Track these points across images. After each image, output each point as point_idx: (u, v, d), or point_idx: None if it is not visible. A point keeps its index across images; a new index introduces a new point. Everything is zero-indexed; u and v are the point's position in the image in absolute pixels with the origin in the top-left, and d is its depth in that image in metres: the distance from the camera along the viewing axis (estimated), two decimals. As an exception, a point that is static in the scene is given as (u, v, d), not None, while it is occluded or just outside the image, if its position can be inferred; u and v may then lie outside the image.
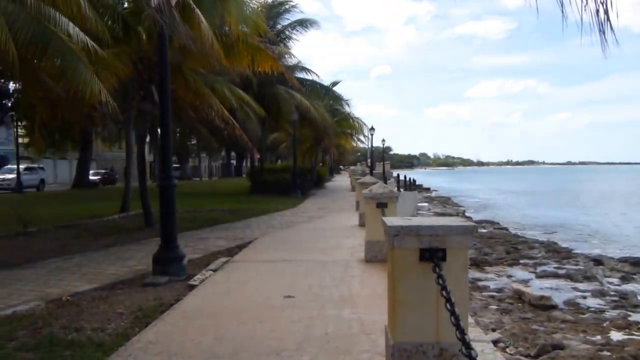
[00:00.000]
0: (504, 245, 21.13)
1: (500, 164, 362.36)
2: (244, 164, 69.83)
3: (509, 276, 15.91)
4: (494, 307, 11.91)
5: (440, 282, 3.35)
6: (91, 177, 42.33)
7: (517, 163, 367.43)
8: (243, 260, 9.23)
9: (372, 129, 46.47)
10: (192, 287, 7.11)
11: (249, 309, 5.97)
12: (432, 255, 3.61)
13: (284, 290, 6.79)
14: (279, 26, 27.91)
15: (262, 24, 14.42)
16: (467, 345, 2.81)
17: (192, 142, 58.83)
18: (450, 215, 32.92)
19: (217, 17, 12.78)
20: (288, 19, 28.27)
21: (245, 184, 33.01)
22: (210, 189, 35.07)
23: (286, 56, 25.04)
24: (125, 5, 14.71)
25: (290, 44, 28.20)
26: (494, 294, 13.34)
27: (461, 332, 2.93)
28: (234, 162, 77.07)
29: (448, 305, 3.14)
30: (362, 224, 13.01)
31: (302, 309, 5.92)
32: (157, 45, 8.96)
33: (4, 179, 37.25)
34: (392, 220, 3.99)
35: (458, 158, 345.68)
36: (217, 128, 18.76)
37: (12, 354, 4.67)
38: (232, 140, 21.34)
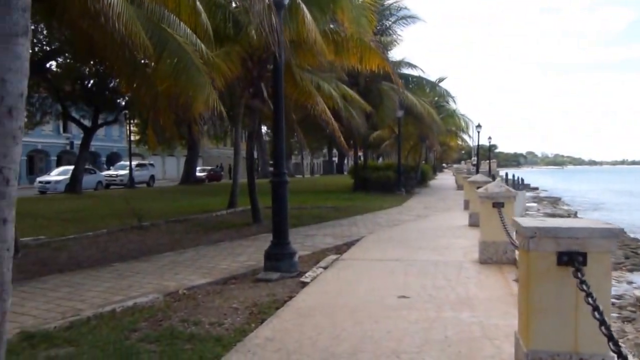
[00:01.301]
0: (622, 250, 19.54)
1: (614, 163, 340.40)
2: (346, 161, 70.06)
3: (630, 282, 14.67)
4: (615, 314, 10.95)
5: (585, 288, 3.04)
6: (198, 174, 44.21)
7: (634, 162, 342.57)
8: (352, 258, 9.07)
9: (479, 126, 45.08)
10: (304, 284, 7.04)
11: (363, 308, 5.79)
12: (572, 259, 3.32)
13: (397, 290, 6.56)
14: (386, 22, 27.63)
15: (372, 22, 14.24)
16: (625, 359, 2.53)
17: (295, 140, 59.98)
18: (561, 216, 31.11)
19: (328, 14, 12.77)
20: (395, 15, 27.90)
21: (347, 182, 33.02)
22: (313, 186, 35.43)
23: (391, 52, 24.74)
24: (234, 5, 15.01)
25: (396, 40, 27.81)
26: (614, 300, 12.30)
27: (615, 343, 2.62)
28: (335, 159, 77.61)
29: (596, 314, 2.84)
30: (472, 224, 12.47)
31: (418, 310, 5.67)
32: (267, 43, 8.97)
33: (117, 175, 39.88)
34: (526, 221, 3.70)
35: (568, 157, 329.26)
36: (319, 127, 18.82)
37: (136, 345, 4.77)
38: (333, 139, 21.35)
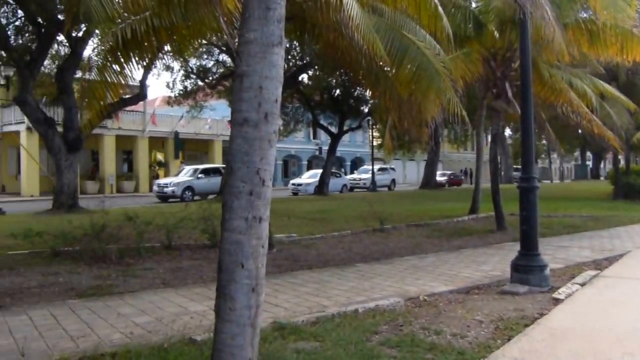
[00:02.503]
0: None
1: None
2: (602, 165, 63.32)
3: None
4: None
5: None
6: (438, 178, 44.03)
7: None
8: (617, 275, 7.95)
9: None
10: (557, 301, 6.37)
11: (635, 337, 4.98)
12: None
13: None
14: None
15: (632, 5, 12.51)
16: None
17: (542, 143, 56.26)
18: None
19: (579, 1, 11.59)
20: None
21: (604, 188, 29.70)
22: (563, 192, 32.66)
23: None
24: (474, 5, 14.54)
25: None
26: None
27: None
28: (589, 163, 70.65)
29: None
30: None
31: None
32: (513, 38, 8.42)
33: (360, 179, 41.90)
34: None
35: None
36: (570, 127, 17.17)
37: (377, 348, 4.78)
38: (587, 140, 19.33)
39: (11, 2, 18.75)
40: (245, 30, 3.17)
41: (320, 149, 50.40)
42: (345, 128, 32.94)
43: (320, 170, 34.72)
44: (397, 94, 9.66)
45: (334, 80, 28.07)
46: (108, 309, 6.24)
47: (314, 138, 53.02)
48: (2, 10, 19.46)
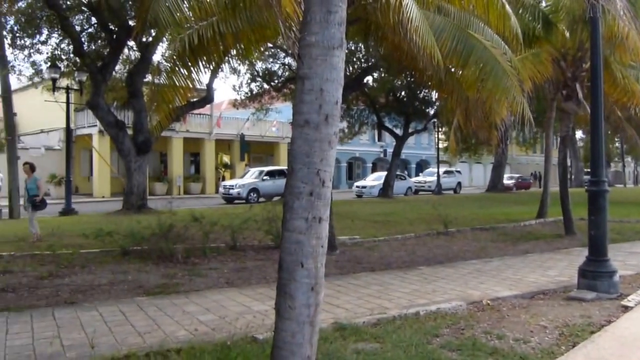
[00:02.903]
0: None
1: None
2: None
3: None
4: None
5: None
6: (505, 181, 42.87)
7: None
8: (694, 285, 7.53)
9: None
10: (627, 308, 6.09)
11: None
12: None
13: None
14: None
15: None
16: None
17: (616, 145, 53.82)
18: None
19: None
20: None
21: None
22: (637, 197, 31.10)
23: None
24: (543, 4, 14.10)
25: None
26: None
27: None
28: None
29: None
30: None
31: None
32: (584, 37, 8.10)
33: (425, 181, 41.35)
34: None
35: None
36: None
37: (438, 350, 4.72)
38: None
39: (85, 10, 19.69)
40: (306, 33, 3.21)
41: (385, 152, 50.14)
42: (410, 130, 32.60)
43: (384, 173, 34.52)
44: (464, 95, 9.52)
45: (399, 82, 27.85)
46: (174, 307, 6.44)
47: (379, 140, 52.77)
48: (77, 18, 20.47)
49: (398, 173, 36.13)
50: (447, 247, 11.54)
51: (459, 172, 45.35)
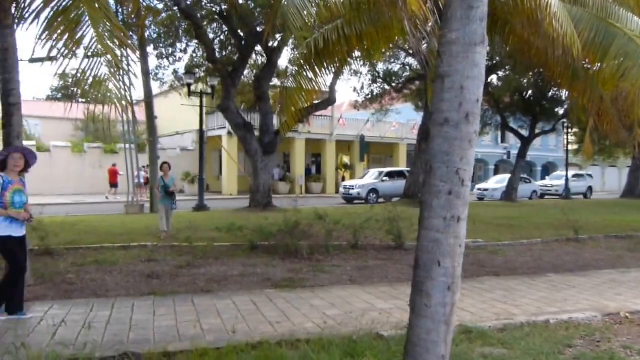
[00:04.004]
0: None
1: None
2: None
3: None
4: None
5: None
6: (645, 187, 39.42)
7: None
8: None
9: None
10: None
11: None
12: None
13: None
14: None
15: None
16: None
17: None
18: None
19: None
20: None
21: None
22: None
23: None
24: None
25: None
26: None
27: None
28: None
29: None
30: None
31: None
32: None
33: (552, 185, 39.08)
34: None
35: None
36: None
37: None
38: None
39: (217, 18, 20.90)
40: (447, 30, 3.22)
41: (508, 153, 48.21)
42: (537, 131, 31.10)
43: (507, 176, 33.20)
44: (598, 93, 8.94)
45: (526, 81, 26.65)
46: (301, 300, 6.71)
47: (502, 142, 50.81)
48: (210, 27, 21.77)
49: (523, 176, 34.56)
50: (577, 255, 10.90)
51: (590, 175, 42.42)
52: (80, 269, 8.51)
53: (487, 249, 11.22)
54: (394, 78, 28.48)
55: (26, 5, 3.88)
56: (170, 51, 22.44)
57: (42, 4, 3.83)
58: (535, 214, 20.33)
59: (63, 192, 28.85)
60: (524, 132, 31.14)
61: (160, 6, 20.06)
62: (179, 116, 34.16)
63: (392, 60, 27.78)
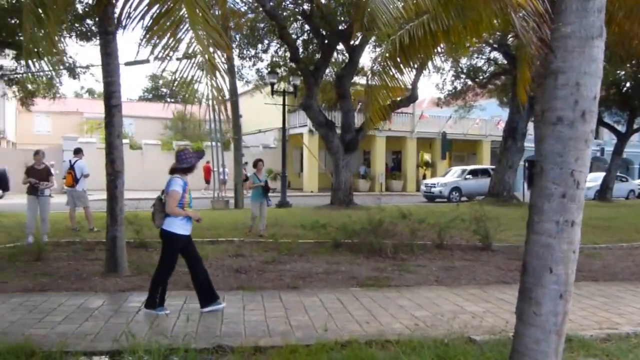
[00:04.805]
0: None
1: None
2: None
3: None
4: None
5: None
6: None
7: None
8: None
9: None
10: None
11: None
12: None
13: None
14: None
15: None
16: None
17: None
18: None
19: None
20: None
21: None
22: None
23: None
24: None
25: None
26: None
27: None
28: None
29: None
30: None
31: None
32: None
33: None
34: None
35: None
36: None
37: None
38: None
39: (299, 18, 21.10)
40: (560, 23, 3.03)
41: (602, 150, 45.68)
42: (635, 126, 29.25)
43: (601, 174, 31.45)
44: None
45: (623, 73, 25.09)
46: (387, 300, 6.63)
47: (596, 138, 48.21)
48: (293, 26, 22.03)
49: (619, 174, 32.61)
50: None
51: None
52: (172, 262, 8.83)
53: (582, 252, 10.58)
54: (478, 73, 27.66)
55: (131, 10, 4.03)
56: (253, 52, 22.91)
57: (145, 9, 3.98)
58: (634, 215, 19.12)
59: (153, 188, 30.19)
60: (620, 128, 29.38)
61: (244, 9, 20.53)
62: (261, 115, 34.88)
63: (477, 55, 26.97)
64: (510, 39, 22.20)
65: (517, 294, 6.22)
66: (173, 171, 6.08)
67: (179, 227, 5.95)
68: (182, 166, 6.03)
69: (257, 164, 12.53)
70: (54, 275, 7.80)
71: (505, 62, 24.45)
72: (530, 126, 23.16)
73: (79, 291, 6.93)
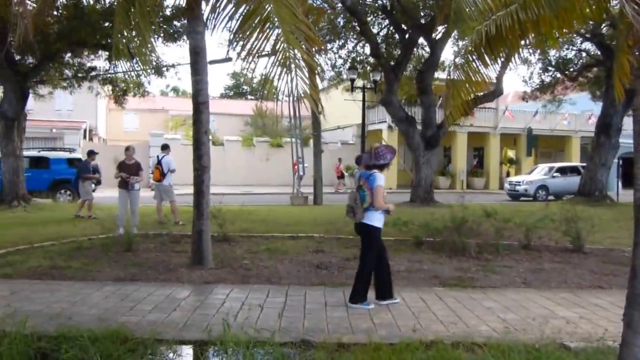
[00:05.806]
0: None
1: None
2: None
3: None
4: None
5: None
6: None
7: None
8: None
9: None
10: None
11: None
12: None
13: None
14: None
15: None
16: None
17: None
18: None
19: None
20: None
21: None
22: None
23: None
24: None
25: None
26: None
27: None
28: None
29: None
30: None
31: None
32: None
33: None
34: None
35: None
36: None
37: None
38: None
39: (380, 13, 20.91)
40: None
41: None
42: None
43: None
44: None
45: None
46: (472, 301, 6.43)
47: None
48: (373, 21, 21.87)
49: None
50: None
51: None
52: (254, 255, 9.01)
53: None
54: (568, 65, 26.32)
55: (220, 10, 4.10)
56: (332, 47, 22.94)
57: (233, 8, 4.04)
58: None
59: (234, 183, 31.02)
60: None
61: (324, 5, 20.57)
62: (339, 111, 34.95)
63: (567, 47, 25.67)
64: (605, 28, 21.01)
65: (613, 299, 5.89)
66: (370, 167, 6.33)
67: (378, 220, 6.21)
68: (380, 162, 6.32)
69: (360, 158, 12.50)
70: (143, 265, 8.15)
71: (599, 52, 23.12)
72: (626, 121, 21.85)
73: (167, 282, 7.20)
